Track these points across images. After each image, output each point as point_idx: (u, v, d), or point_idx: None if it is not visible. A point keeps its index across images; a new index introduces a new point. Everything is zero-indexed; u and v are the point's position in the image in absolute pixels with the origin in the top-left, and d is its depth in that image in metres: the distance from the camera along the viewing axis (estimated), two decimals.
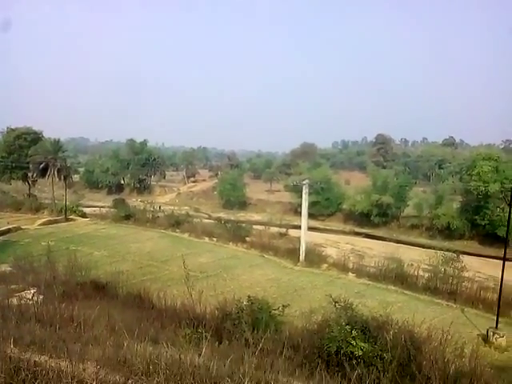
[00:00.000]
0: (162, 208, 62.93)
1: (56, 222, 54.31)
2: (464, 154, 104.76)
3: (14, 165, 66.99)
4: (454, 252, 32.24)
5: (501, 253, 30.54)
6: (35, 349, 5.58)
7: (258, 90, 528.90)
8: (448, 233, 53.56)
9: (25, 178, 69.80)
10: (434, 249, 37.50)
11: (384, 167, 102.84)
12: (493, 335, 22.21)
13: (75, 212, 60.69)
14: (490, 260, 40.13)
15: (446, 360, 9.51)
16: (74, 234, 46.99)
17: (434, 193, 64.36)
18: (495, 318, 23.79)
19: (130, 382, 4.47)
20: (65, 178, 61.07)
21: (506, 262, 24.91)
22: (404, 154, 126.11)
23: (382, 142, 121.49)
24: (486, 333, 22.57)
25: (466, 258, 32.77)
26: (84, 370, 4.55)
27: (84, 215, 61.18)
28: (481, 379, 9.19)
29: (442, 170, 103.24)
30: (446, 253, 32.12)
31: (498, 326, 23.16)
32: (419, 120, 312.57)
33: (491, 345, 21.59)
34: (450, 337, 10.50)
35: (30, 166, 64.52)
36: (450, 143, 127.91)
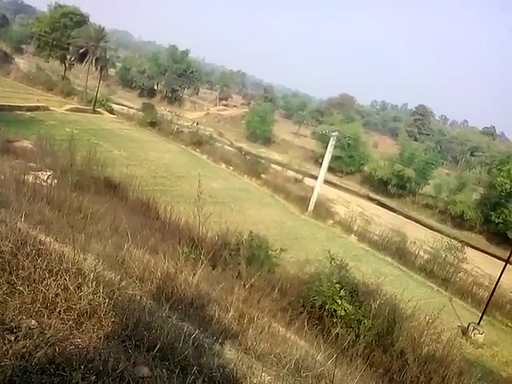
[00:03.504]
0: (196, 124, 62.89)
1: (83, 111, 54.68)
2: (500, 147, 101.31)
3: (54, 43, 66.20)
4: (459, 241, 32.11)
5: (505, 254, 30.49)
6: (42, 228, 5.75)
7: (314, 31, 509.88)
8: (459, 221, 53.04)
9: (63, 59, 69.13)
10: (441, 233, 37.41)
11: (416, 139, 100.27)
12: (472, 330, 22.59)
13: (104, 106, 60.91)
14: (492, 258, 40.00)
15: (422, 341, 9.78)
16: (99, 127, 47.46)
17: (458, 178, 63.08)
18: (480, 314, 24.14)
19: (124, 282, 4.64)
20: (101, 69, 60.46)
21: (507, 265, 24.83)
22: (440, 131, 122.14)
23: (422, 114, 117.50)
24: (466, 326, 22.97)
25: (469, 251, 32.74)
26: (85, 260, 4.71)
27: (111, 111, 61.47)
28: (450, 367, 9.47)
29: (472, 158, 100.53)
30: (452, 240, 32.05)
31: (481, 323, 23.51)
32: (465, 101, 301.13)
33: (468, 339, 22.02)
34: (431, 321, 10.72)
35: (71, 48, 63.60)
36: (489, 132, 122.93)
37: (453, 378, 9.11)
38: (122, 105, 70.78)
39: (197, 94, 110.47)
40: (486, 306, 24.38)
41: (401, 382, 8.67)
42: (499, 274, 24.25)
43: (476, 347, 21.53)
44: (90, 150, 23.75)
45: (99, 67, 59.95)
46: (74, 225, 7.84)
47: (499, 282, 24.52)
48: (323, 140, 54.79)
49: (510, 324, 26.24)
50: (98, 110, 58.44)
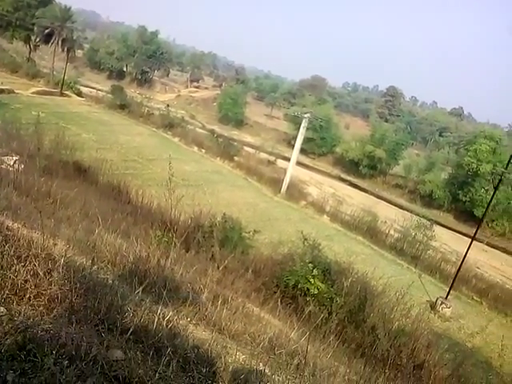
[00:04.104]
0: (167, 106, 61.51)
1: (51, 93, 53.17)
2: (468, 127, 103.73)
3: (18, 23, 63.68)
4: (428, 220, 32.91)
5: (472, 231, 31.46)
6: (9, 214, 5.62)
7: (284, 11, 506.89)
8: (428, 200, 54.29)
9: (27, 40, 66.67)
10: (411, 212, 38.27)
11: (387, 120, 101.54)
12: (440, 304, 23.39)
13: (71, 88, 59.35)
14: (460, 236, 41.25)
15: (392, 316, 10.08)
16: (67, 110, 46.27)
17: (427, 158, 64.42)
18: (447, 289, 24.95)
19: (95, 267, 4.60)
20: (68, 51, 58.53)
21: (474, 242, 25.67)
22: (410, 112, 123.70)
23: (392, 95, 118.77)
24: (434, 301, 23.75)
25: (437, 229, 33.60)
26: (54, 245, 4.63)
27: (79, 94, 59.95)
28: (418, 340, 9.81)
29: (441, 138, 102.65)
30: (421, 218, 32.81)
31: (448, 297, 24.33)
32: (434, 82, 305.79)
33: (436, 312, 22.80)
34: (401, 297, 11.05)
35: (35, 28, 61.39)
36: (457, 113, 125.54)
37: (421, 351, 9.45)
38: (91, 87, 69.04)
39: (167, 75, 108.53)
40: (453, 281, 25.19)
41: (372, 355, 8.93)
42: (465, 250, 25.05)
43: (443, 320, 22.31)
44: (58, 133, 23.23)
45: (66, 48, 58.01)
46: (43, 210, 7.68)
47: (466, 258, 25.34)
48: (295, 122, 54.89)
49: (475, 297, 27.25)
50: (66, 92, 56.87)
